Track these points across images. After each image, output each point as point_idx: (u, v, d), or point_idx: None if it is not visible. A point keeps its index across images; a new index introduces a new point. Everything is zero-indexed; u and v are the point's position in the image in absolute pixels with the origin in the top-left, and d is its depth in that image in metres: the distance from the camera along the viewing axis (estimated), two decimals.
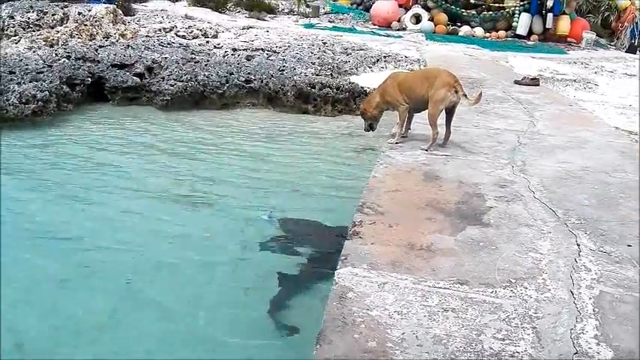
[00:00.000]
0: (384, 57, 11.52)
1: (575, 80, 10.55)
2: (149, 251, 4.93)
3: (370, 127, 6.08)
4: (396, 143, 5.61)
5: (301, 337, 3.78)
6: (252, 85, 9.45)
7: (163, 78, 9.26)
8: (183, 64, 9.68)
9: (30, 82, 8.44)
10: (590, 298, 3.01)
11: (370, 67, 10.92)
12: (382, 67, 10.99)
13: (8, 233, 5.03)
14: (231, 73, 9.56)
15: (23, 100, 8.01)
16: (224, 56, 10.56)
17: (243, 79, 9.49)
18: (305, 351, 2.80)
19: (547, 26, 16.37)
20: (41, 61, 9.19)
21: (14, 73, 8.67)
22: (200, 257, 4.83)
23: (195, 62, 9.89)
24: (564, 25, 16.35)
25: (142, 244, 5.03)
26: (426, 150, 5.38)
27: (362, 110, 6.09)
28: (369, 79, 10.07)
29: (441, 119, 5.55)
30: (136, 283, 4.49)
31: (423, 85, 5.52)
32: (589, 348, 2.62)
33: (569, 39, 16.56)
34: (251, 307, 4.23)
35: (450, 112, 5.56)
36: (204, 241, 5.18)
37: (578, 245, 3.61)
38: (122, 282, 4.49)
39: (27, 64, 8.97)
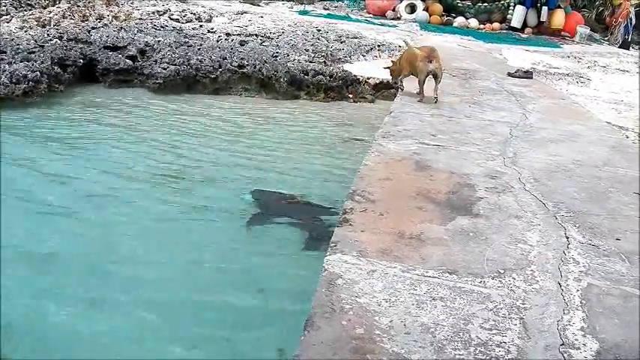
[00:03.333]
0: (378, 46, 11.50)
1: (568, 74, 10.57)
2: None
3: (396, 84, 7.82)
4: (418, 101, 6.89)
5: None
6: (245, 70, 9.42)
7: (156, 61, 9.22)
8: (176, 48, 9.63)
9: (21, 61, 8.38)
10: (577, 291, 3.02)
11: (364, 56, 10.91)
12: (375, 56, 10.98)
13: None
14: (225, 58, 9.53)
15: (14, 80, 7.96)
16: (217, 41, 10.51)
17: (237, 64, 9.46)
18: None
19: (541, 19, 16.37)
20: (33, 41, 9.12)
21: (5, 52, 8.60)
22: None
23: (188, 46, 9.85)
24: (559, 18, 16.37)
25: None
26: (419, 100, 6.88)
27: (389, 71, 7.86)
28: (362, 68, 10.07)
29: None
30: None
31: (414, 58, 6.95)
32: (575, 339, 2.63)
33: (563, 33, 16.58)
34: None
35: (434, 77, 6.88)
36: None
37: (567, 238, 3.62)
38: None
39: (18, 44, 8.90)
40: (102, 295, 4.12)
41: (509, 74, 9.50)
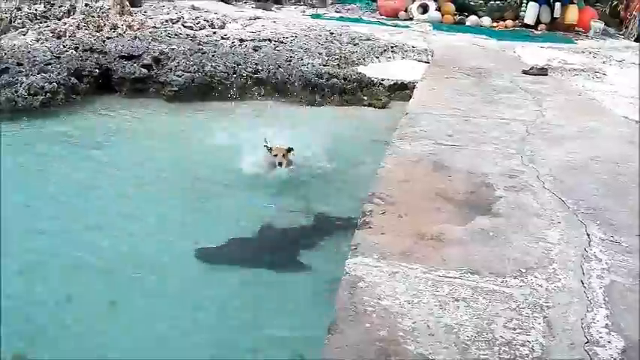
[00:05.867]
0: (391, 47, 11.47)
1: (583, 70, 10.48)
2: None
3: None
4: None
5: None
6: (259, 75, 9.45)
7: (171, 69, 9.26)
8: (190, 55, 9.67)
9: (38, 73, 8.47)
10: (600, 288, 3.01)
11: (377, 58, 10.89)
12: (389, 58, 10.96)
13: None
14: (239, 64, 9.56)
15: (32, 92, 8.05)
16: (231, 47, 10.55)
17: (251, 69, 9.49)
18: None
19: (555, 15, 16.25)
20: (49, 53, 9.19)
21: (22, 64, 8.69)
22: None
23: (202, 53, 9.88)
24: (572, 14, 16.23)
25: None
26: None
27: None
28: (376, 70, 10.06)
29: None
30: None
31: None
32: (600, 337, 2.62)
33: (577, 28, 16.44)
34: None
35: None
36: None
37: (588, 235, 3.61)
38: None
39: (35, 56, 8.98)
40: None
41: (524, 72, 9.45)
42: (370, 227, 3.52)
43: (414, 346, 2.50)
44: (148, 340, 3.85)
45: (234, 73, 9.36)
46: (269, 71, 9.49)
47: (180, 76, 9.04)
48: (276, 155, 6.28)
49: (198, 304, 4.21)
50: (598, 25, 16.15)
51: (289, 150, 6.37)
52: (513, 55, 11.83)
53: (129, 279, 4.46)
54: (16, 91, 7.98)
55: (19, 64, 8.67)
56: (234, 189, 6.08)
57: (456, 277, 3.03)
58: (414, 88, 8.27)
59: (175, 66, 9.29)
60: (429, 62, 10.41)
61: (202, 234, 5.16)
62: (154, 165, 6.63)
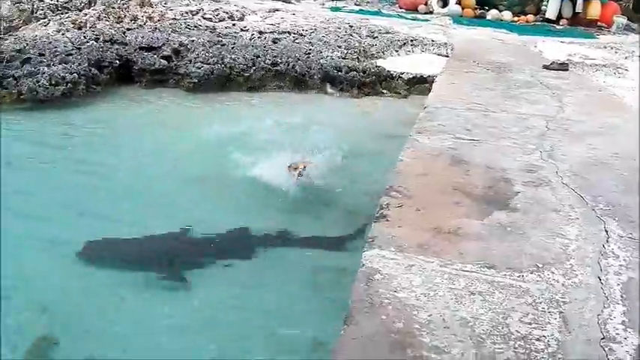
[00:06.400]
0: (411, 41, 11.43)
1: (605, 65, 10.38)
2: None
3: None
4: None
5: None
6: (278, 68, 9.46)
7: (190, 61, 9.30)
8: (210, 47, 9.70)
9: (59, 64, 8.54)
10: (617, 284, 3.00)
11: (397, 51, 10.84)
12: (409, 51, 10.91)
13: None
14: (258, 56, 9.58)
15: (53, 82, 8.12)
16: (250, 39, 10.56)
17: (270, 61, 9.51)
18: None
19: (577, 10, 16.08)
20: (70, 44, 9.26)
21: (44, 55, 8.77)
22: None
23: (221, 45, 9.91)
24: (595, 9, 16.07)
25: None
26: None
27: None
28: (395, 63, 10.03)
29: None
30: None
31: None
32: (616, 333, 2.62)
33: (599, 23, 16.27)
34: None
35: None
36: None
37: (607, 231, 3.59)
38: None
39: (56, 47, 9.05)
40: None
41: (545, 67, 9.38)
42: (387, 220, 3.53)
43: (430, 338, 2.51)
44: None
45: (254, 65, 9.39)
46: (288, 63, 9.50)
47: (199, 68, 9.08)
48: (296, 168, 6.19)
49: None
50: (621, 20, 15.97)
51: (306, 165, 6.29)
52: (534, 49, 11.74)
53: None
54: (38, 81, 8.05)
55: (40, 55, 8.75)
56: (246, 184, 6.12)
57: (472, 271, 3.03)
58: (433, 82, 8.24)
59: (195, 57, 9.33)
60: (448, 56, 10.36)
61: (213, 224, 5.22)
62: (171, 155, 6.70)
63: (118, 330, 3.92)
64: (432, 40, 11.54)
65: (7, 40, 9.25)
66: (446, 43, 11.42)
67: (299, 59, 9.62)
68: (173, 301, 4.27)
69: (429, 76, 9.20)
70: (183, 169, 6.44)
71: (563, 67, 9.40)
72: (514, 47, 11.78)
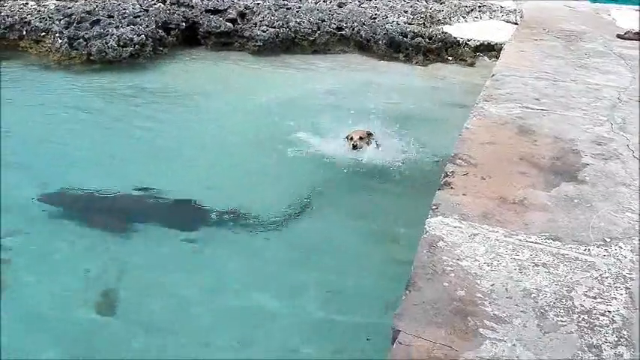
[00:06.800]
0: (479, 7, 11.18)
1: None
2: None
3: None
4: None
5: None
6: (343, 32, 9.42)
7: (255, 24, 9.35)
8: (275, 10, 9.72)
9: (128, 25, 8.71)
10: None
11: (464, 17, 10.64)
12: (476, 17, 10.70)
13: None
14: (323, 20, 9.55)
15: (121, 44, 8.30)
16: (316, 3, 10.52)
17: (335, 26, 9.48)
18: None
19: None
20: (138, 6, 9.42)
21: (113, 17, 8.95)
22: None
23: (287, 9, 9.91)
24: None
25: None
26: None
27: None
28: (462, 30, 9.84)
29: None
30: None
31: None
32: None
33: None
34: None
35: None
36: None
37: None
38: None
39: (125, 9, 9.22)
40: None
41: (619, 36, 9.03)
42: (452, 188, 3.50)
43: (492, 307, 2.50)
44: None
45: (318, 29, 9.37)
46: (353, 28, 9.44)
47: (264, 31, 9.12)
48: (351, 139, 6.21)
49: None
50: None
51: (370, 134, 6.29)
52: (608, 18, 11.30)
53: None
54: (107, 43, 8.23)
55: (109, 17, 8.94)
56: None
57: (537, 243, 2.99)
58: (500, 49, 8.06)
59: (260, 21, 9.37)
60: (517, 23, 10.09)
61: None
62: (233, 117, 6.82)
63: None
64: (501, 7, 11.26)
65: (77, 1, 9.45)
66: (515, 10, 11.12)
67: (364, 24, 9.55)
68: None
69: (497, 43, 9.02)
70: (241, 131, 6.53)
71: (638, 36, 9.04)
72: (586, 15, 11.37)
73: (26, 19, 8.79)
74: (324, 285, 4.30)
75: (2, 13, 8.81)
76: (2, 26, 8.64)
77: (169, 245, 4.73)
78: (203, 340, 3.85)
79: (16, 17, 8.79)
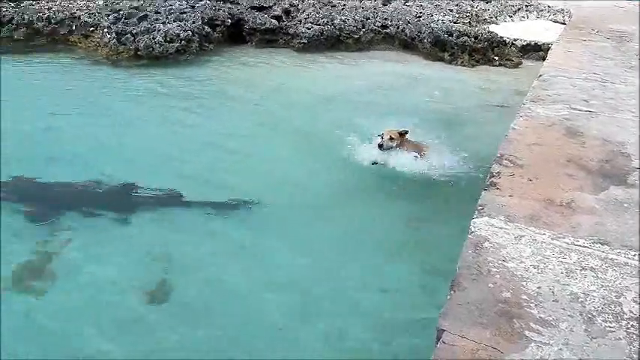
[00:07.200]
0: (526, 6, 11.03)
1: None
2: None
3: None
4: None
5: None
6: (388, 30, 9.40)
7: (300, 21, 9.38)
8: (320, 8, 9.74)
9: (174, 21, 8.83)
10: None
11: (511, 17, 10.52)
12: (523, 17, 10.56)
13: None
14: (368, 18, 9.54)
15: (168, 39, 8.41)
16: (360, 1, 10.51)
17: (380, 24, 9.46)
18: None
19: None
20: (184, 2, 9.54)
21: (160, 12, 9.08)
22: None
23: (332, 6, 9.93)
24: None
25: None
26: None
27: None
28: (508, 29, 9.73)
29: None
30: None
31: None
32: None
33: None
34: None
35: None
36: None
37: None
38: None
39: (171, 5, 9.35)
40: None
41: None
42: (498, 189, 3.46)
43: (538, 310, 2.46)
44: None
45: (363, 27, 9.37)
46: (398, 26, 9.42)
47: (309, 29, 9.14)
48: (381, 136, 6.16)
49: None
50: None
51: (402, 133, 6.23)
52: None
53: None
54: (154, 38, 8.34)
55: (156, 12, 9.07)
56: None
57: (585, 246, 2.94)
58: (548, 49, 7.95)
59: (305, 18, 9.40)
60: (565, 23, 9.93)
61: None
62: (276, 113, 6.88)
63: None
64: (549, 6, 11.09)
65: None
66: (563, 10, 10.94)
67: (409, 22, 9.51)
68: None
69: (544, 43, 8.89)
70: (283, 126, 6.65)
71: None
72: (637, 16, 11.13)
73: (76, 15, 8.98)
74: None
75: (53, 9, 9.02)
76: (53, 21, 8.84)
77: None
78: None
79: (66, 12, 8.98)
